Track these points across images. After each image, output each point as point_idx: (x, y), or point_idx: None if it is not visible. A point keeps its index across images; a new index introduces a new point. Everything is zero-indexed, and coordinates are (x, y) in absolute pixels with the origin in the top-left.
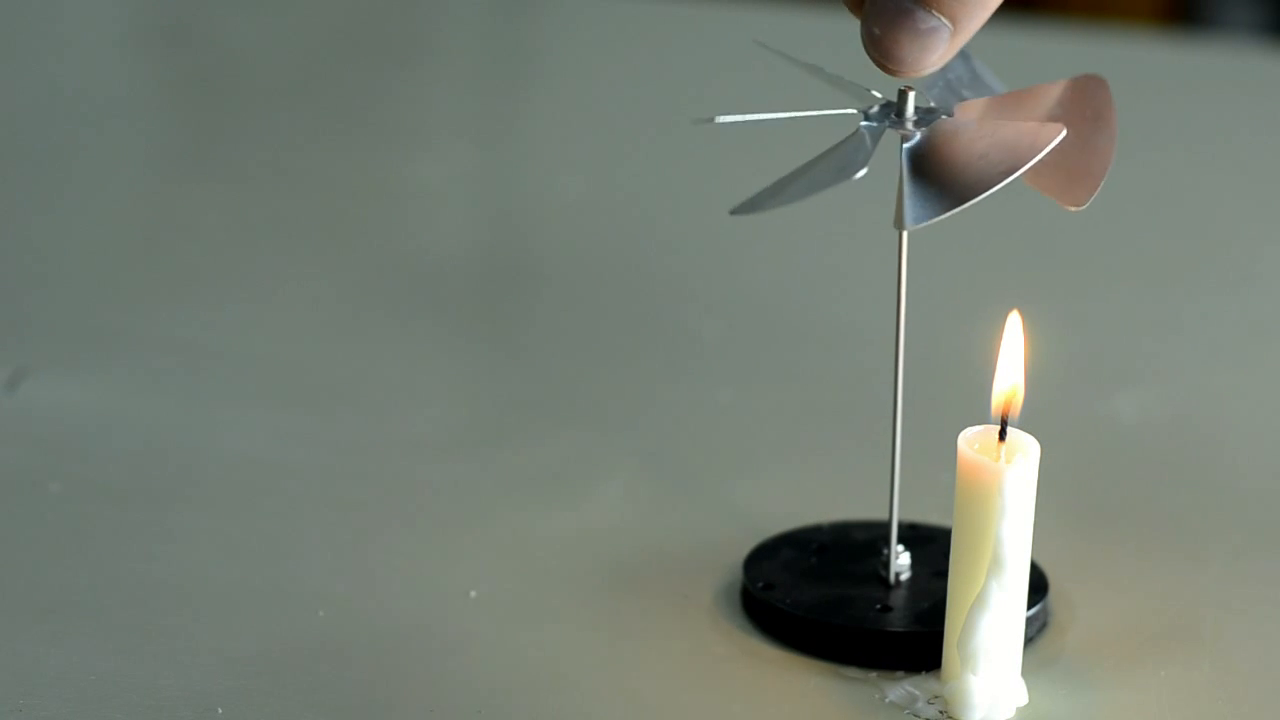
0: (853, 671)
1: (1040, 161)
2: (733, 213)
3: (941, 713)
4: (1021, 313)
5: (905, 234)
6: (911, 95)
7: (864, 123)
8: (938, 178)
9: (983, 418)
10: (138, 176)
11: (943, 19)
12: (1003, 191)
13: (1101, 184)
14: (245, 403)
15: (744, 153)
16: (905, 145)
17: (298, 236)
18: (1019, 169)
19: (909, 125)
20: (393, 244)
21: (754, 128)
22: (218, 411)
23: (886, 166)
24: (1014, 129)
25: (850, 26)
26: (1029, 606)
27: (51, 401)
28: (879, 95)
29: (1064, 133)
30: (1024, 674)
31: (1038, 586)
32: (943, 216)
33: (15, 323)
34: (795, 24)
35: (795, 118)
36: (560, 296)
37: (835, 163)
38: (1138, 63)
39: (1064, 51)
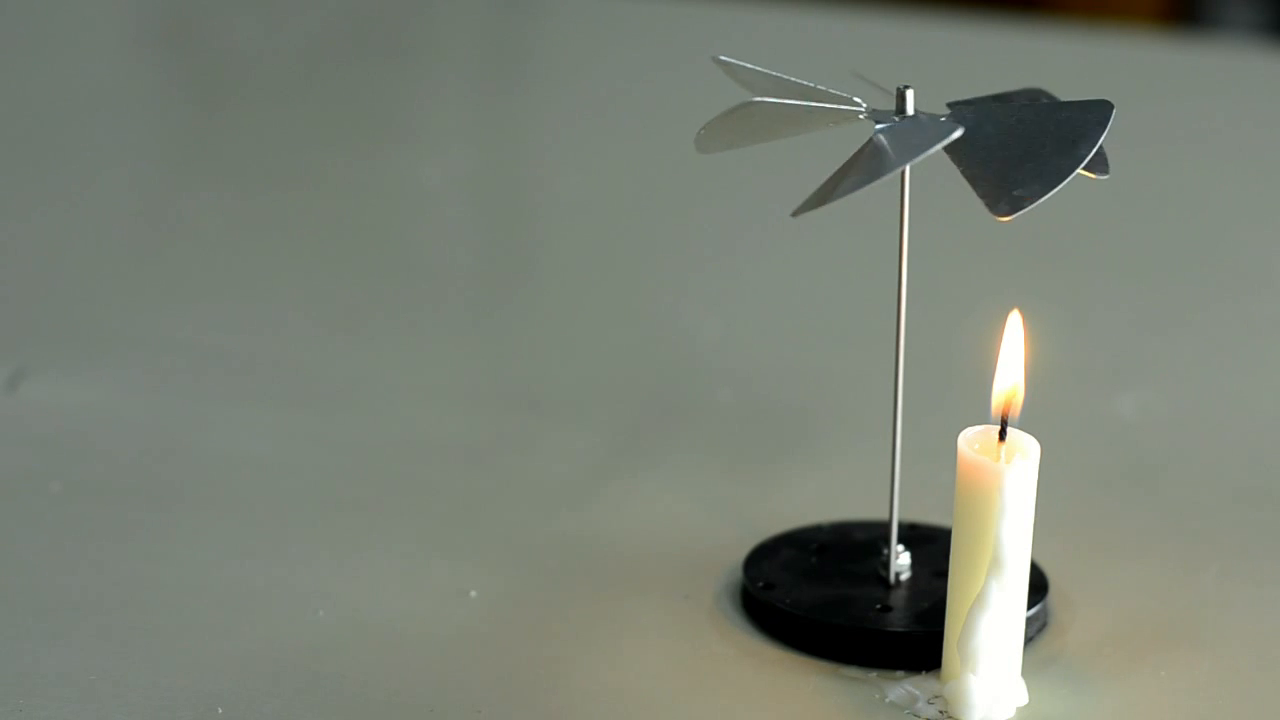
0: (853, 671)
1: (937, 156)
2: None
3: (941, 713)
4: (1021, 312)
5: (905, 232)
6: (910, 93)
7: (877, 126)
8: (849, 168)
9: (983, 418)
10: (138, 176)
11: None
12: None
13: (1034, 204)
14: (245, 403)
15: (744, 153)
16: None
17: (298, 236)
18: (900, 165)
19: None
20: (393, 244)
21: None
22: (218, 411)
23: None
24: (916, 125)
25: (848, 26)
26: (1029, 606)
27: (51, 401)
28: (861, 104)
29: (959, 131)
30: (1024, 674)
31: (1038, 586)
32: (821, 205)
33: (15, 323)
34: (795, 24)
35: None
36: (560, 296)
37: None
38: (1138, 63)
39: (1064, 51)
